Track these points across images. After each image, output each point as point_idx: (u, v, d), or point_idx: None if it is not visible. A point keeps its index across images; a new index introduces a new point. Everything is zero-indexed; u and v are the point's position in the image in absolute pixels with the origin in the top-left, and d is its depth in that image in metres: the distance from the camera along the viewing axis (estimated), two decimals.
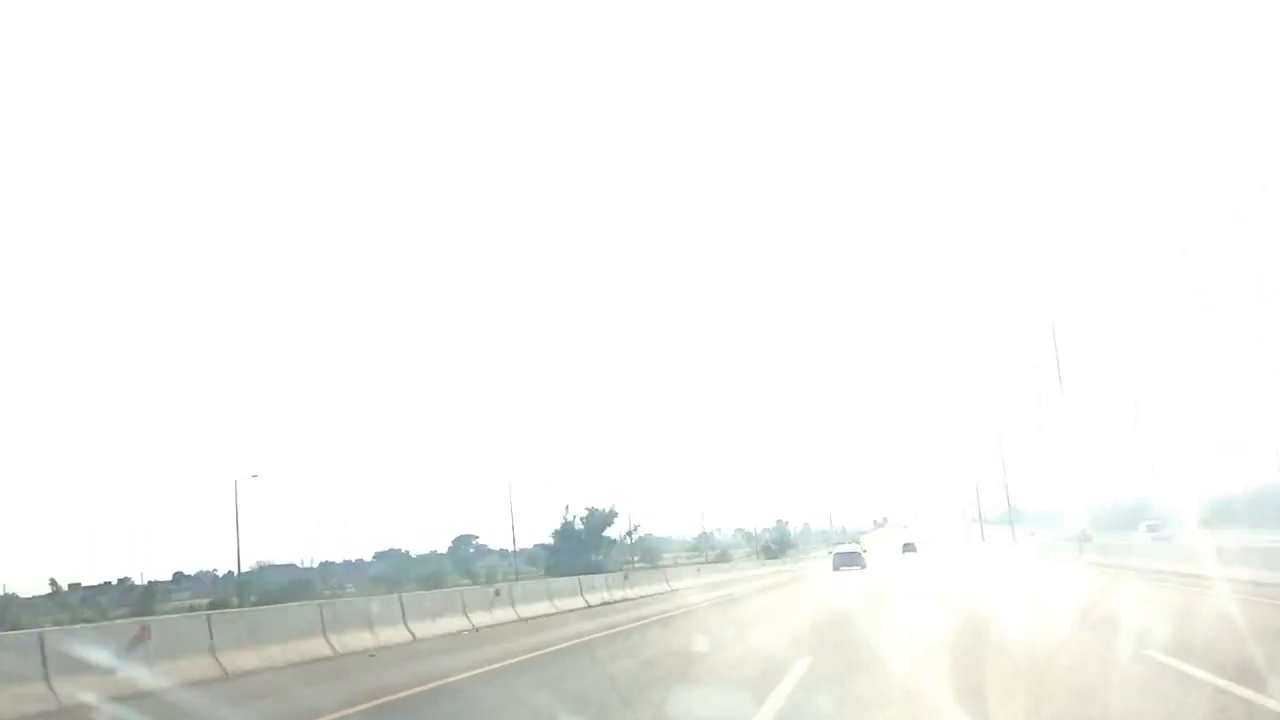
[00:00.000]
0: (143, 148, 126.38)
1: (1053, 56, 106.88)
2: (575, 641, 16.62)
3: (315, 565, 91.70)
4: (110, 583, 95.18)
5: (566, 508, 78.70)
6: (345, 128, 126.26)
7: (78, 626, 15.32)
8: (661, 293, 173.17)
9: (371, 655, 16.15)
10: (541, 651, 15.07)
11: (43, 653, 11.30)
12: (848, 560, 53.54)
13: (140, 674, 12.18)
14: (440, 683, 11.68)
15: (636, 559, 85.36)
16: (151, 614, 39.48)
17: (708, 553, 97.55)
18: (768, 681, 9.72)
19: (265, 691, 11.94)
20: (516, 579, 54.92)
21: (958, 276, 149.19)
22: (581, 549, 75.60)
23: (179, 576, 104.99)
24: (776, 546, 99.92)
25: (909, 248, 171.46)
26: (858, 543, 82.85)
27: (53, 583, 75.24)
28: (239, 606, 46.14)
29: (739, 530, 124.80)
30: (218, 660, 13.89)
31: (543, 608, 25.08)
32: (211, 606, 50.84)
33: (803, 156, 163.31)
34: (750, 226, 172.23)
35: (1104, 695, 8.31)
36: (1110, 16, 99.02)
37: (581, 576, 32.19)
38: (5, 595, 70.74)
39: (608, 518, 79.63)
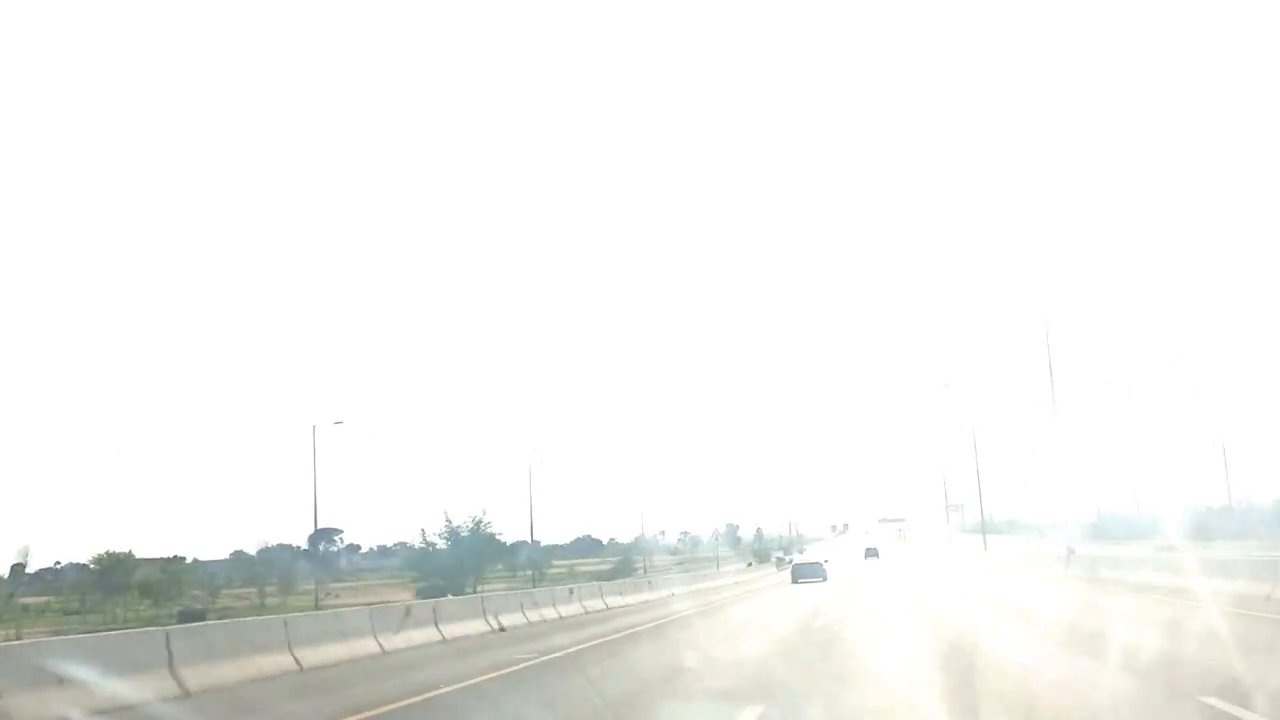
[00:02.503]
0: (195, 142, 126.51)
1: (1031, 63, 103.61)
2: None
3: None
4: None
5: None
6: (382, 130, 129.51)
7: None
8: (610, 287, 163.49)
9: None
10: None
11: None
12: (807, 572, 49.84)
13: None
14: None
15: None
16: None
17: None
18: None
19: None
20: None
21: (937, 280, 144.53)
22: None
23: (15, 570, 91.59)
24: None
25: (888, 245, 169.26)
26: (801, 552, 78.53)
27: None
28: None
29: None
30: None
31: None
32: None
33: (769, 165, 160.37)
34: (714, 228, 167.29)
35: None
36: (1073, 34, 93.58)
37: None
38: None
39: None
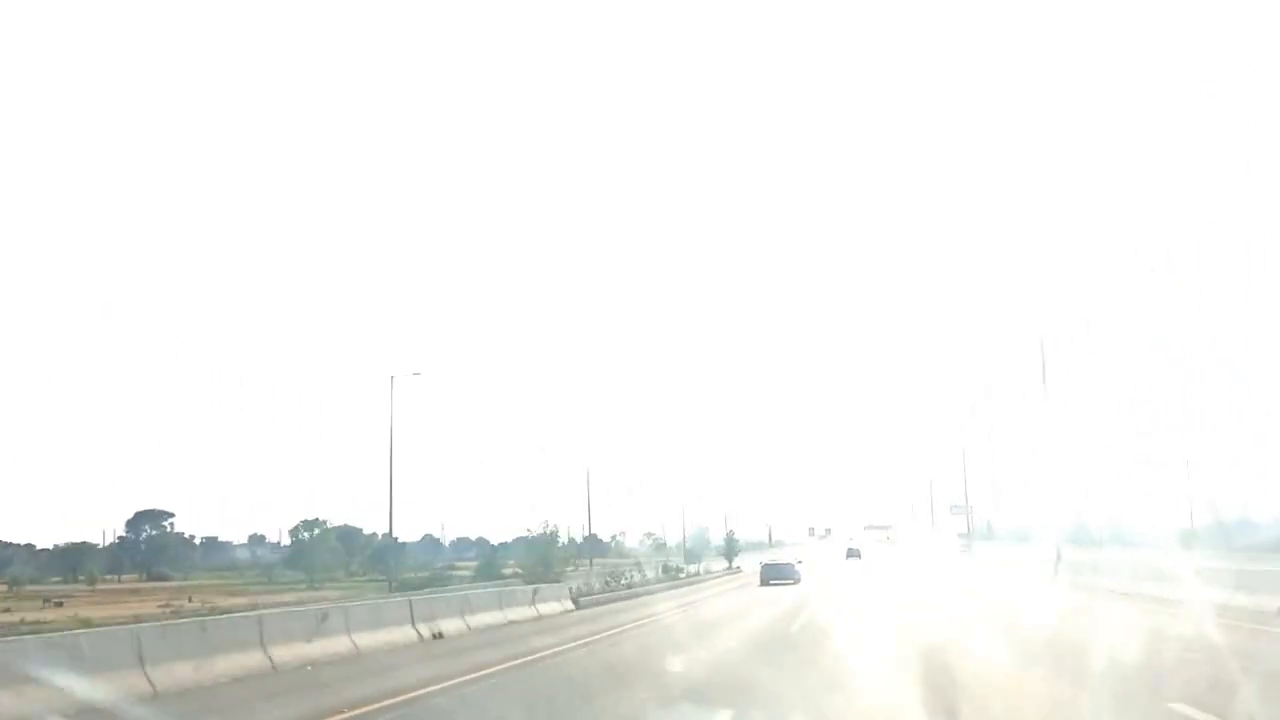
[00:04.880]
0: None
1: (1033, 66, 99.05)
2: None
3: None
4: None
5: None
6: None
7: None
8: (587, 278, 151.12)
9: None
10: None
11: None
12: (778, 573, 46.73)
13: None
14: None
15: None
16: None
17: None
18: None
19: None
20: None
21: (927, 286, 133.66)
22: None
23: None
24: None
25: (876, 254, 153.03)
26: (731, 561, 65.47)
27: None
28: None
29: None
30: None
31: None
32: None
33: (752, 167, 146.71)
34: (697, 232, 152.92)
35: None
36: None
37: None
38: None
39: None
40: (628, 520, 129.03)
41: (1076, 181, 69.98)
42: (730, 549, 75.86)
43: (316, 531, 59.70)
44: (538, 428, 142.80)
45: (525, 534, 53.88)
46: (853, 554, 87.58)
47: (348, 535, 67.48)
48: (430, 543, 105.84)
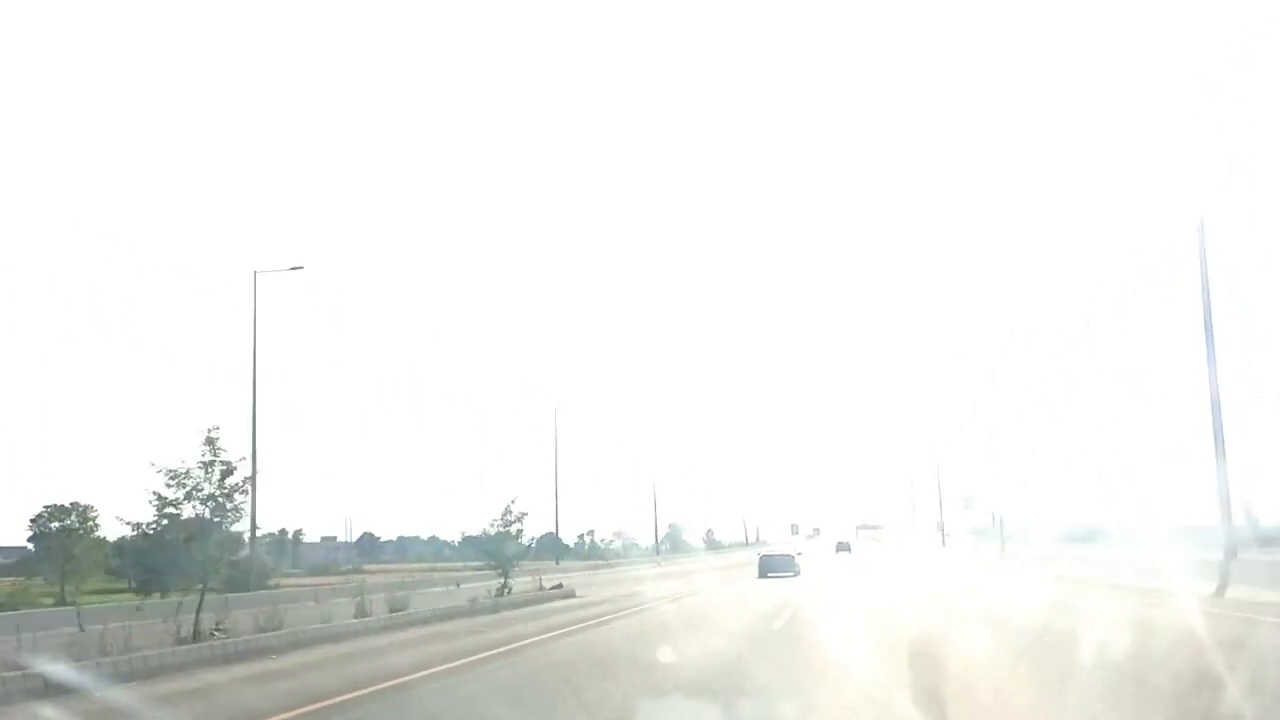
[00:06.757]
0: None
1: (1030, 65, 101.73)
2: None
3: None
4: None
5: None
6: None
7: None
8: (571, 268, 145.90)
9: None
10: None
11: None
12: (777, 566, 44.18)
13: None
14: None
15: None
16: None
17: None
18: None
19: None
20: None
21: (924, 286, 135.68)
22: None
23: None
24: None
25: (860, 251, 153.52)
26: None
27: None
28: None
29: None
30: None
31: None
32: None
33: (752, 162, 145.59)
34: (690, 226, 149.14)
35: None
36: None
37: None
38: None
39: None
40: (613, 521, 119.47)
41: (1076, 181, 68.19)
42: (521, 550, 34.51)
43: (69, 522, 47.54)
44: (526, 425, 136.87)
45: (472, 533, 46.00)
46: (843, 548, 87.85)
47: (200, 531, 62.73)
48: (370, 542, 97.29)
